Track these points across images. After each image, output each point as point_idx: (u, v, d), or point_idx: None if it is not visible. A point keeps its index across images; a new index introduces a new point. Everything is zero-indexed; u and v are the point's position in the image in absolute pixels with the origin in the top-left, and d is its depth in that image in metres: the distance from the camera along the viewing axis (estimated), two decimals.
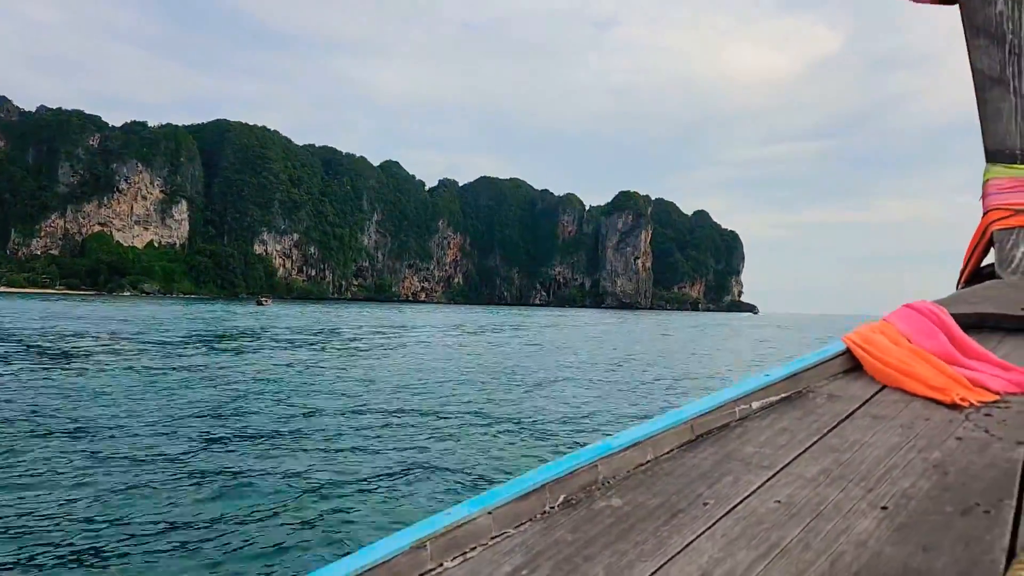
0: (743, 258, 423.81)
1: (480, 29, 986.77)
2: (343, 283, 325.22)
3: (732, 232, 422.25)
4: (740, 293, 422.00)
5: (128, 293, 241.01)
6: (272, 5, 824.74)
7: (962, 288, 2.64)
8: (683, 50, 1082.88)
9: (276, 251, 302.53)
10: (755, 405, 1.69)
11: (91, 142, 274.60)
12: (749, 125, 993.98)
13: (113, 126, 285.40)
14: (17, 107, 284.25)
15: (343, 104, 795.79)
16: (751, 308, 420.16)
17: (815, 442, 1.50)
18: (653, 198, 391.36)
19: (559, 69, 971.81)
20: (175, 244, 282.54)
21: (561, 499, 1.26)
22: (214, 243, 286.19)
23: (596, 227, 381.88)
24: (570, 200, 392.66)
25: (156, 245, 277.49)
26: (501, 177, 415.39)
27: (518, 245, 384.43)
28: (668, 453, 1.46)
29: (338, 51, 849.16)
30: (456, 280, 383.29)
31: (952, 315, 1.96)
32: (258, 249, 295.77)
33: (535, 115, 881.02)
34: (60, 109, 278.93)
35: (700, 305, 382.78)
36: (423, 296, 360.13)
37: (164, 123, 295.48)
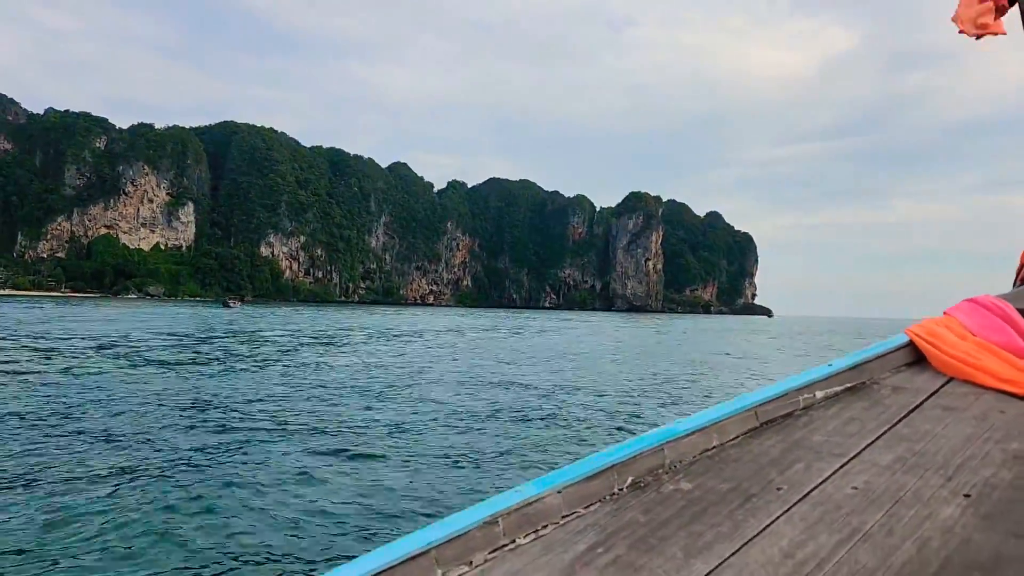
0: (757, 260, 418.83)
1: (492, 30, 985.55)
2: (350, 286, 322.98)
3: (746, 234, 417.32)
4: (754, 296, 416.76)
5: (133, 296, 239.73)
6: (282, 9, 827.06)
7: (1020, 286, 2.66)
8: (697, 50, 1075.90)
9: (283, 253, 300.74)
10: (819, 395, 1.68)
11: (98, 144, 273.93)
12: (764, 125, 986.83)
13: (120, 128, 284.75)
14: (25, 110, 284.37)
15: (353, 107, 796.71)
16: (765, 311, 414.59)
17: (886, 431, 1.50)
18: (664, 199, 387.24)
19: (571, 69, 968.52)
20: (181, 246, 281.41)
21: (629, 481, 1.27)
22: (220, 245, 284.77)
23: (606, 229, 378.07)
24: (580, 201, 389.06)
25: (162, 247, 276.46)
26: (511, 178, 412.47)
27: (527, 247, 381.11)
28: (734, 439, 1.47)
29: (348, 54, 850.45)
30: (465, 283, 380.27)
31: (1018, 310, 1.95)
32: (264, 251, 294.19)
33: (546, 116, 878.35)
34: (67, 111, 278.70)
35: (712, 308, 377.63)
36: (431, 299, 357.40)
37: (171, 125, 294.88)
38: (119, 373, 22.73)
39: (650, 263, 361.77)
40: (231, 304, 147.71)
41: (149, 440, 12.50)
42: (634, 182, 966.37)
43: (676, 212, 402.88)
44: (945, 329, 1.87)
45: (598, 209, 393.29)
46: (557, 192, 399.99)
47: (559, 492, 1.17)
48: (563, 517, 1.15)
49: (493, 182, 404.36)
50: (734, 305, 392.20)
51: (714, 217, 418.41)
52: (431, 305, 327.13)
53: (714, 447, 1.42)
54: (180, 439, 12.69)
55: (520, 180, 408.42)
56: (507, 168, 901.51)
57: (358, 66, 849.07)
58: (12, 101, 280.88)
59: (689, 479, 1.29)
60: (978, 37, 2.21)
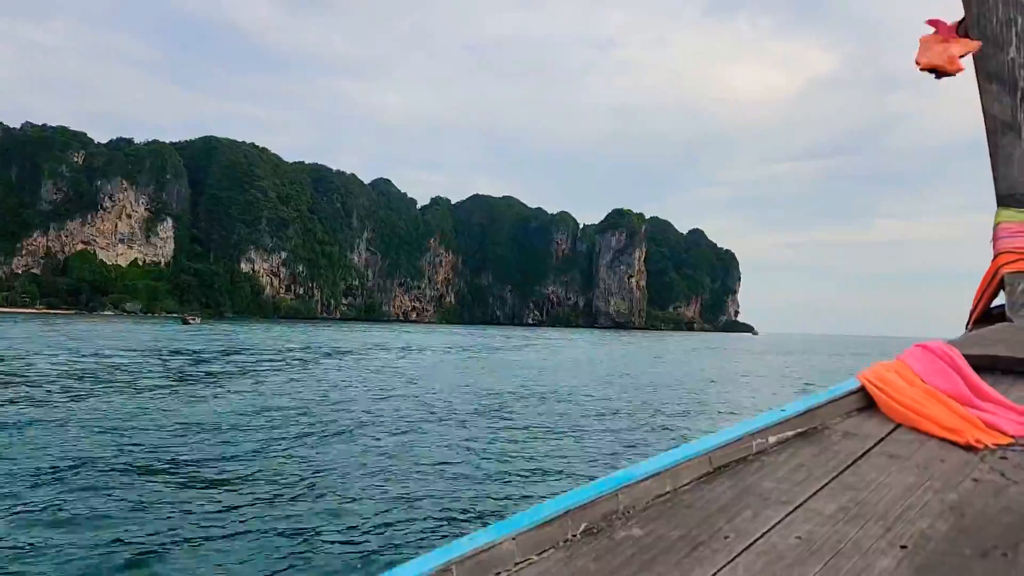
0: (739, 277, 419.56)
1: (480, 51, 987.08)
2: (332, 302, 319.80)
3: (728, 251, 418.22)
4: (736, 313, 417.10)
5: (109, 312, 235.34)
6: (267, 27, 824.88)
7: (972, 329, 2.69)
8: (682, 71, 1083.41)
9: (263, 269, 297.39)
10: (771, 439, 1.70)
11: (75, 159, 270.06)
12: (748, 145, 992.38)
13: (98, 143, 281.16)
14: (2, 123, 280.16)
15: (337, 124, 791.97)
16: (748, 328, 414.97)
17: (832, 479, 1.51)
18: (648, 216, 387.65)
19: (557, 89, 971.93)
20: (160, 262, 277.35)
21: (583, 527, 1.26)
22: (200, 261, 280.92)
23: (590, 245, 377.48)
24: (563, 218, 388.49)
25: (140, 263, 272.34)
26: (495, 195, 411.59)
27: (511, 264, 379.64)
28: (687, 485, 1.47)
29: (334, 72, 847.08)
30: (448, 299, 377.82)
31: (964, 356, 1.95)
32: (245, 267, 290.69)
33: (531, 134, 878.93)
34: (45, 125, 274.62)
35: (696, 325, 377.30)
36: (414, 315, 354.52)
37: (150, 140, 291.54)
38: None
39: (633, 280, 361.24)
40: (189, 321, 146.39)
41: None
42: (618, 199, 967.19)
43: (660, 229, 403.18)
44: (895, 375, 1.91)
45: (581, 226, 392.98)
46: (541, 209, 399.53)
47: (513, 539, 1.16)
48: (516, 564, 1.14)
49: (477, 199, 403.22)
50: (717, 322, 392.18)
51: (697, 234, 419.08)
52: (414, 322, 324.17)
53: (668, 492, 1.42)
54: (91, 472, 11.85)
55: (504, 197, 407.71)
56: (491, 185, 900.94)
57: (343, 84, 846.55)
58: None
59: (641, 525, 1.28)
60: (938, 76, 2.36)
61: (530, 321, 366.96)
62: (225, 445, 15.00)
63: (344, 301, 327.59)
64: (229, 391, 24.53)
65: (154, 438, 15.32)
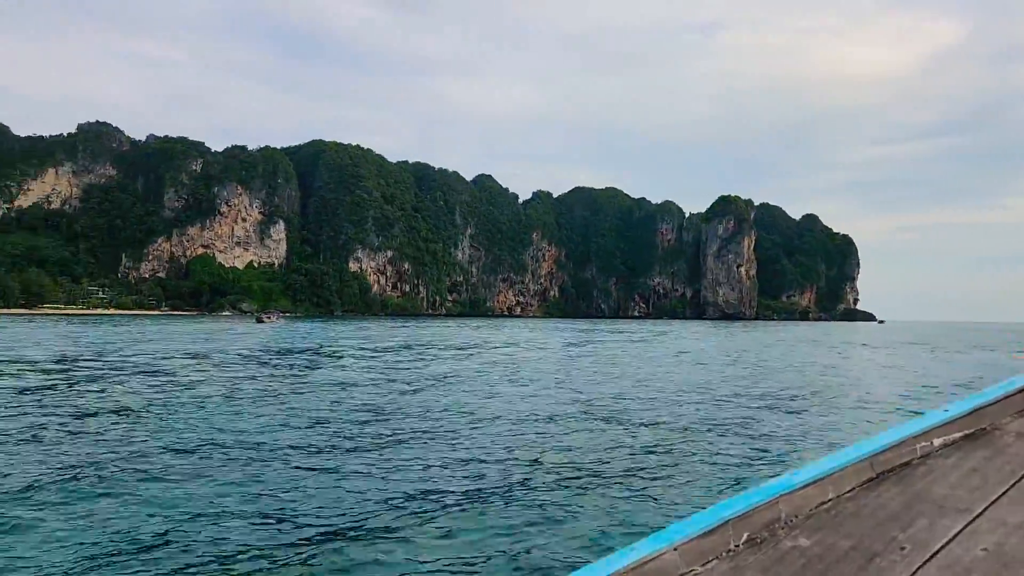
0: (858, 264, 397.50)
1: (578, 42, 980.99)
2: (437, 299, 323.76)
3: (845, 236, 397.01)
4: (856, 301, 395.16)
5: (227, 313, 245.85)
6: (369, 31, 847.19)
7: None
8: (790, 50, 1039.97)
9: (370, 268, 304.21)
10: (936, 442, 1.57)
11: (194, 167, 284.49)
12: (863, 125, 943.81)
13: (215, 151, 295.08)
14: (129, 137, 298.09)
15: (438, 122, 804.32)
16: (869, 317, 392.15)
17: (1012, 485, 1.39)
18: (756, 203, 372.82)
19: (658, 76, 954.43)
20: (273, 264, 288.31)
21: (745, 537, 1.22)
22: (310, 262, 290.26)
23: (696, 235, 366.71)
24: (668, 207, 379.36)
25: (255, 265, 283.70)
26: (596, 187, 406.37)
27: (615, 256, 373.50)
28: (850, 491, 1.39)
29: (435, 72, 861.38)
30: (552, 293, 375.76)
31: None
32: (353, 266, 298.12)
33: (632, 124, 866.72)
34: (167, 137, 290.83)
35: (811, 314, 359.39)
36: (518, 310, 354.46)
37: (262, 146, 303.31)
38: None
39: (742, 269, 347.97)
40: (264, 319, 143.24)
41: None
42: (724, 186, 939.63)
43: (769, 216, 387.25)
44: None
45: (687, 215, 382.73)
46: (644, 199, 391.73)
47: (675, 549, 1.12)
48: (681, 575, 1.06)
49: (578, 191, 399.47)
50: (834, 311, 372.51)
51: (810, 220, 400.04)
52: (518, 317, 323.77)
53: (830, 500, 1.35)
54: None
55: (606, 188, 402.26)
56: (593, 177, 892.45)
57: (443, 83, 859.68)
58: (117, 130, 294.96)
59: (806, 535, 1.22)
60: None
61: (636, 314, 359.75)
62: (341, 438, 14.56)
63: (449, 297, 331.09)
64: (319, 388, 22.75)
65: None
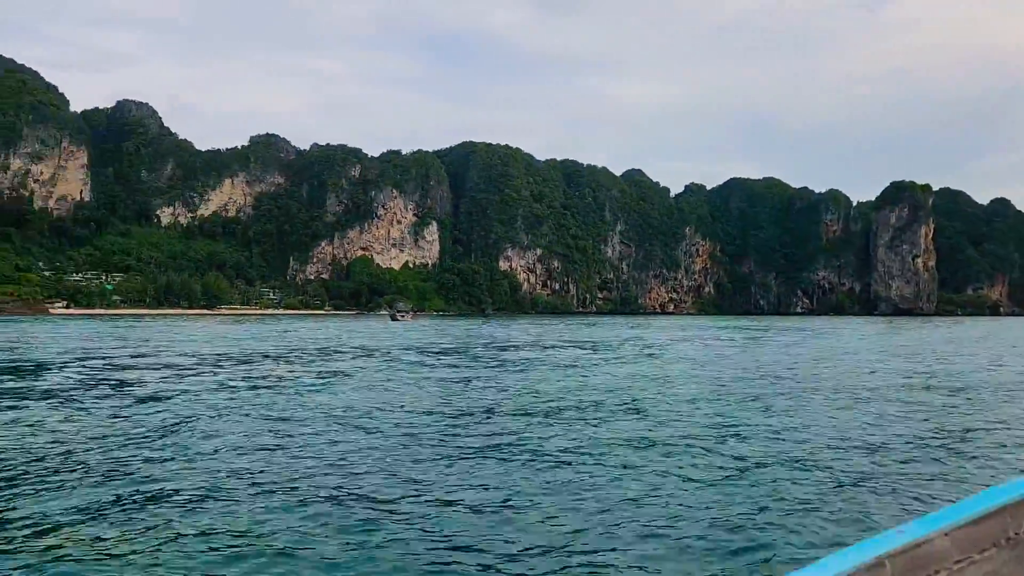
0: None
1: (728, 28, 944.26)
2: (587, 296, 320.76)
3: None
4: None
5: (384, 312, 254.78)
6: (521, 34, 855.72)
7: None
8: (970, 22, 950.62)
9: (520, 266, 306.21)
10: None
11: (353, 173, 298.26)
12: None
13: (372, 156, 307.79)
14: (294, 147, 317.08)
15: (587, 120, 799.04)
16: None
17: None
18: (935, 188, 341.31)
19: (818, 58, 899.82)
20: (427, 264, 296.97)
21: None
22: (462, 261, 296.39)
23: (865, 225, 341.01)
24: (833, 196, 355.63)
25: (410, 266, 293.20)
26: (753, 177, 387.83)
27: (774, 249, 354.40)
28: None
29: (583, 70, 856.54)
30: (707, 289, 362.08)
31: None
32: (503, 265, 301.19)
33: (791, 110, 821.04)
34: (328, 145, 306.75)
35: (1002, 308, 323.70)
36: (671, 307, 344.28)
37: (415, 149, 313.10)
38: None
39: (919, 260, 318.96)
40: (399, 317, 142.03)
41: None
42: (896, 171, 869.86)
43: (950, 201, 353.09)
44: None
45: (854, 204, 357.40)
46: (806, 188, 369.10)
47: (946, 534, 1.05)
48: (956, 563, 1.03)
49: (734, 183, 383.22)
50: None
51: (1001, 204, 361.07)
52: (671, 314, 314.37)
53: None
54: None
55: (764, 178, 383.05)
56: (748, 167, 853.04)
57: (591, 80, 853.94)
58: (284, 140, 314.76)
59: None
60: None
61: (799, 310, 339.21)
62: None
63: (599, 295, 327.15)
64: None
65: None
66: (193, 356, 38.68)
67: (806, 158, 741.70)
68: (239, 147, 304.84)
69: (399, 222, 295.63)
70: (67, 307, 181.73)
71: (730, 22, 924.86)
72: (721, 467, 12.01)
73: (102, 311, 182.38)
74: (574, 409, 18.87)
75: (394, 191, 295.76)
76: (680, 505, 9.87)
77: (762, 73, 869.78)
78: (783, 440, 14.66)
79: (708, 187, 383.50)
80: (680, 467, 11.93)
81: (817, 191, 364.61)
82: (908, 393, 23.20)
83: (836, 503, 9.96)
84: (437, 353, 43.30)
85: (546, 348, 49.18)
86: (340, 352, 43.79)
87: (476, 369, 31.67)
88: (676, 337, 69.55)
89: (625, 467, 11.93)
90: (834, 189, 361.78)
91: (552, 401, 20.55)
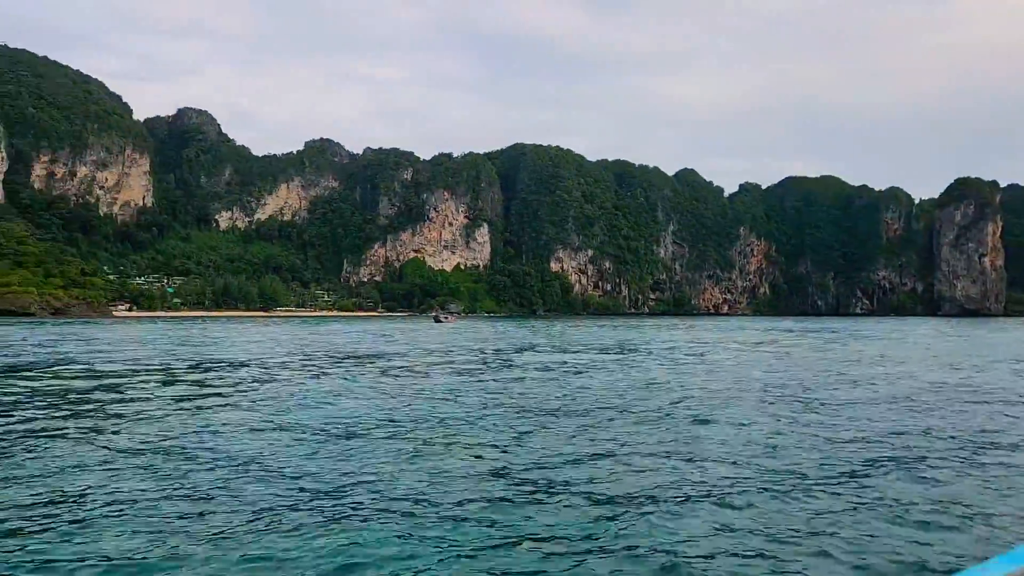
0: None
1: (783, 25, 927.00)
2: (639, 297, 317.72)
3: None
4: None
5: (434, 313, 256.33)
6: (574, 35, 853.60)
7: None
8: None
9: (571, 268, 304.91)
10: None
11: (405, 176, 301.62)
12: None
13: (424, 159, 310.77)
14: (348, 151, 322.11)
15: (639, 120, 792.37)
16: None
17: None
18: (1003, 184, 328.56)
19: (877, 53, 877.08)
20: (478, 266, 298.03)
21: None
22: (513, 263, 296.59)
23: (928, 223, 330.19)
24: (893, 194, 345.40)
25: (462, 268, 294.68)
26: (810, 175, 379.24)
27: (832, 248, 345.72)
28: None
29: (634, 70, 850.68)
30: (762, 290, 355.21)
31: None
32: (554, 267, 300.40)
33: (849, 106, 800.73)
34: (380, 148, 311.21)
35: None
36: (725, 308, 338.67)
37: (466, 152, 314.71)
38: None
39: (986, 259, 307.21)
40: (442, 319, 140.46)
41: None
42: (961, 167, 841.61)
43: (1019, 197, 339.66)
44: None
45: (916, 201, 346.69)
46: (865, 186, 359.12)
47: None
48: None
49: (790, 181, 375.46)
50: None
51: None
52: (725, 315, 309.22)
53: None
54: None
55: (821, 176, 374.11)
56: (805, 166, 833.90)
57: (642, 80, 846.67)
58: (338, 144, 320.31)
59: None
60: None
61: (858, 311, 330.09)
62: None
63: (652, 296, 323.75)
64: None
65: None
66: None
67: (865, 156, 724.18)
68: (294, 152, 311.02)
69: (451, 224, 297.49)
70: (130, 309, 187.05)
71: (785, 18, 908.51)
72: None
73: (163, 313, 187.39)
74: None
75: (446, 193, 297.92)
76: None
77: (819, 70, 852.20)
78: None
79: (763, 186, 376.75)
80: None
81: (877, 189, 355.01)
82: None
83: None
84: (449, 356, 43.21)
85: (556, 352, 48.70)
86: (357, 356, 43.96)
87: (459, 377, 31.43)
88: (746, 340, 68.22)
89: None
90: (895, 187, 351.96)
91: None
